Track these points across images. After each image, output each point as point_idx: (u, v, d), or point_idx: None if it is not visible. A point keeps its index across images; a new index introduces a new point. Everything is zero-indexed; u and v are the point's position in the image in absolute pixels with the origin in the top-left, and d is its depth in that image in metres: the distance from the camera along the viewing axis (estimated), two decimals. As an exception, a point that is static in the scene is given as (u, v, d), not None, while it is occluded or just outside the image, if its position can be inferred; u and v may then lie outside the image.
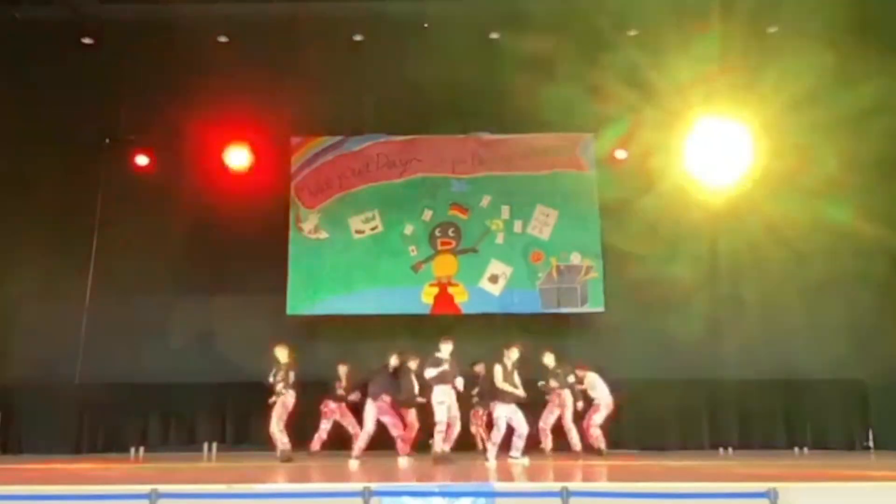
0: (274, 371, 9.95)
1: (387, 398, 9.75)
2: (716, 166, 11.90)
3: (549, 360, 10.20)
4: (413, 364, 10.06)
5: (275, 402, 9.87)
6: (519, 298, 11.71)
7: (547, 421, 10.12)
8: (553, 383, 10.06)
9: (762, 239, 12.05)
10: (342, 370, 10.38)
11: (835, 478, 6.99)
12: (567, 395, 10.06)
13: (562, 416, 10.08)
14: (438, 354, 9.40)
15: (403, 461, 9.37)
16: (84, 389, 11.46)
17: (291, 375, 9.91)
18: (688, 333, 11.85)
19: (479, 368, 10.26)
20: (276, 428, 9.79)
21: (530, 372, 9.96)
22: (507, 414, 9.29)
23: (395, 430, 9.81)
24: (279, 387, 9.85)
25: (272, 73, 12.16)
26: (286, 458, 9.57)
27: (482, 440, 10.08)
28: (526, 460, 9.13)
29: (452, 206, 12.06)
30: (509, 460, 9.12)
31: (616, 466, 8.71)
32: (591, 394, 10.37)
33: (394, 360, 10.07)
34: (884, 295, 11.82)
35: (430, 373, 9.32)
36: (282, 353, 10.03)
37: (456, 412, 9.50)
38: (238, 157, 11.88)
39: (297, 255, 11.82)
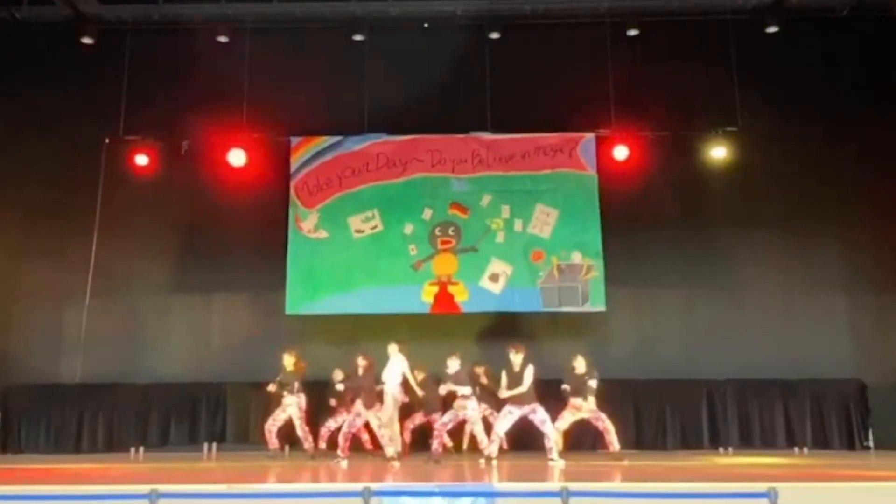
0: (280, 378, 9.98)
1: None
2: (715, 165, 11.91)
3: (579, 365, 9.58)
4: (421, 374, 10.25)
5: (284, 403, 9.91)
6: (520, 297, 11.67)
7: (566, 421, 9.56)
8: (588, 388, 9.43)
9: (762, 238, 12.06)
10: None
11: (835, 478, 6.99)
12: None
13: (598, 419, 9.47)
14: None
15: (344, 463, 9.12)
16: (84, 389, 11.44)
17: (297, 385, 9.95)
18: (687, 333, 11.87)
19: (479, 369, 10.22)
20: (301, 430, 9.93)
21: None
22: (506, 413, 9.25)
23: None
24: (286, 396, 9.89)
25: (272, 73, 12.17)
26: (312, 457, 9.78)
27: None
28: (562, 463, 8.81)
29: (452, 205, 12.04)
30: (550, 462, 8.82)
31: (616, 466, 8.70)
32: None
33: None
34: (884, 295, 11.80)
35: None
36: (288, 361, 10.06)
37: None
38: (238, 157, 11.86)
39: (297, 254, 11.79)
